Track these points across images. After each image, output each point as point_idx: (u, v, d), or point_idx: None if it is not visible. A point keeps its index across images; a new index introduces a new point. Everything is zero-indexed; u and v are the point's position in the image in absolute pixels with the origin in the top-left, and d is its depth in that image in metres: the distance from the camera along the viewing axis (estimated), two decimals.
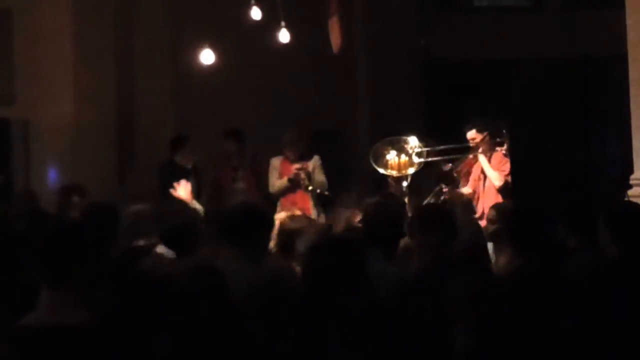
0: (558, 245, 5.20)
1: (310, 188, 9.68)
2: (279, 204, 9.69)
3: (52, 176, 10.63)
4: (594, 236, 5.12)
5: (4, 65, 10.78)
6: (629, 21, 8.41)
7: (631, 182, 8.24)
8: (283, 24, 10.55)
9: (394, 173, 9.49)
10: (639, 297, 4.06)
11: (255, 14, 10.28)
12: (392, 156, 9.55)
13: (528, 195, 7.66)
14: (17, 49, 10.79)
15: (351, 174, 12.10)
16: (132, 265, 4.85)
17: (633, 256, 4.74)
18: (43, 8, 10.66)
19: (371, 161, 9.63)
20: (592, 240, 5.18)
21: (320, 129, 11.99)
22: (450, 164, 9.57)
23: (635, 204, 5.54)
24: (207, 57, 10.01)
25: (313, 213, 9.52)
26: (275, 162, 9.98)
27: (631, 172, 8.29)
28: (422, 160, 9.46)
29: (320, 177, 9.84)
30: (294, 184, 9.78)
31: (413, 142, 9.55)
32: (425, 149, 9.49)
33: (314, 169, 9.86)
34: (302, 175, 9.71)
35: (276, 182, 9.87)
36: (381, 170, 9.59)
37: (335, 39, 10.60)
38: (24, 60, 10.74)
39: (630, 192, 8.00)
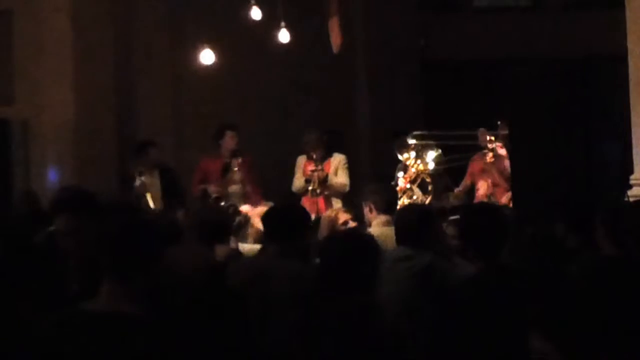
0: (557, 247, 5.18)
1: (318, 192, 9.51)
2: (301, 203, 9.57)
3: (52, 176, 10.62)
4: (594, 236, 5.11)
5: (4, 65, 10.78)
6: (629, 21, 8.42)
7: (631, 182, 8.24)
8: (283, 24, 10.56)
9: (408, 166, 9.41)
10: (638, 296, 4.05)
11: (255, 14, 10.29)
12: (411, 156, 9.46)
13: (528, 195, 7.66)
14: (17, 50, 10.79)
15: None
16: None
17: (631, 255, 4.73)
18: (43, 9, 10.67)
19: (395, 148, 9.54)
20: (592, 240, 5.17)
21: (319, 129, 11.97)
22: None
23: (634, 202, 5.51)
24: (207, 57, 10.01)
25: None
26: (300, 161, 9.87)
27: (631, 172, 8.30)
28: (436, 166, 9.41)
29: (341, 177, 9.65)
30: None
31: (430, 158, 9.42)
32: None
33: (336, 169, 9.71)
34: (315, 178, 9.56)
35: (296, 181, 9.79)
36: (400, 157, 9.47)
37: (335, 39, 10.59)
38: (24, 60, 10.74)
39: (630, 192, 8.01)
